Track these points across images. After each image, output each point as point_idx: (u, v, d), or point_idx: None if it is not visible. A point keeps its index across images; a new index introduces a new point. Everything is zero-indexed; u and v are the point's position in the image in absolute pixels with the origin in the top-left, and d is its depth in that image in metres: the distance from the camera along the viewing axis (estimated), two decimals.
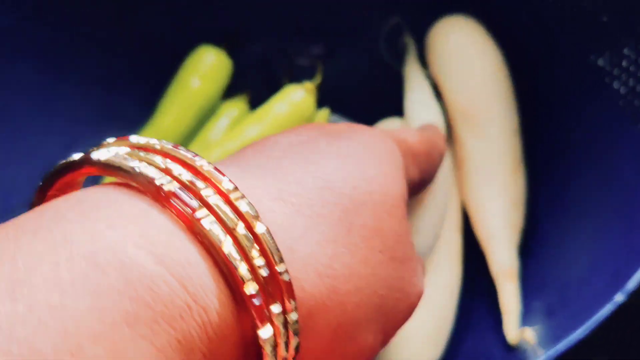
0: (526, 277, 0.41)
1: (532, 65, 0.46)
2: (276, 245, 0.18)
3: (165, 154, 0.19)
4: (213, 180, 0.18)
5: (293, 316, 0.18)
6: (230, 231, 0.17)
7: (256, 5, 0.51)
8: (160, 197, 0.17)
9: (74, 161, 0.19)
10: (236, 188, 0.18)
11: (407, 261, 0.23)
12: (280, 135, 0.25)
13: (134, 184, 0.18)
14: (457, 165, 0.45)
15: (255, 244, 0.18)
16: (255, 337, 0.17)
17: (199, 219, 0.17)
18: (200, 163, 0.19)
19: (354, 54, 0.53)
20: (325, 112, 0.50)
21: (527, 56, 0.46)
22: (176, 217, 0.17)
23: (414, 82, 0.46)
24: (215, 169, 0.19)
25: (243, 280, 0.17)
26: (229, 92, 0.50)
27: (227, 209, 0.18)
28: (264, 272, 0.18)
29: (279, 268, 0.18)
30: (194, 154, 0.19)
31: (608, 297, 0.30)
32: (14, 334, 0.13)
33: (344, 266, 0.20)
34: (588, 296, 0.33)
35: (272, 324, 0.18)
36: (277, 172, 0.21)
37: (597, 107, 0.41)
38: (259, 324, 0.17)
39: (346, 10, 0.52)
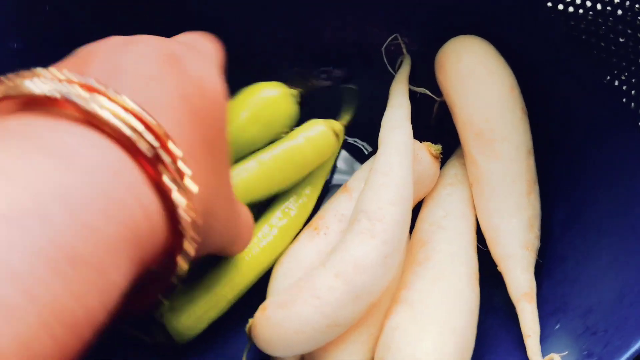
0: (544, 298, 0.41)
1: (545, 85, 0.46)
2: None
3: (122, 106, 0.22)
4: (163, 139, 0.23)
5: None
6: (176, 183, 0.23)
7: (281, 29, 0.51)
8: (138, 155, 0.22)
9: (47, 97, 0.22)
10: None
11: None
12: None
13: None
14: (472, 185, 0.45)
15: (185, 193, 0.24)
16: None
17: (161, 174, 0.23)
18: (159, 131, 0.23)
19: (368, 78, 0.53)
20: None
21: (541, 76, 0.46)
22: (142, 168, 0.22)
23: (394, 102, 0.46)
24: (168, 135, 0.23)
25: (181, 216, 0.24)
26: None
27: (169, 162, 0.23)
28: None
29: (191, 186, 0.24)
30: (148, 113, 0.23)
31: None
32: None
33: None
34: (619, 323, 0.32)
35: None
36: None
37: (614, 128, 0.41)
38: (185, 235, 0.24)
39: (357, 31, 0.52)
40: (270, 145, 0.45)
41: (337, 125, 0.48)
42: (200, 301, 0.41)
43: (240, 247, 0.37)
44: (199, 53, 0.31)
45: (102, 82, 0.22)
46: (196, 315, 0.41)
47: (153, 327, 0.42)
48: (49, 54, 0.40)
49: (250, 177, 0.44)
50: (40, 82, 0.22)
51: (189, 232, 0.24)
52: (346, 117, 0.49)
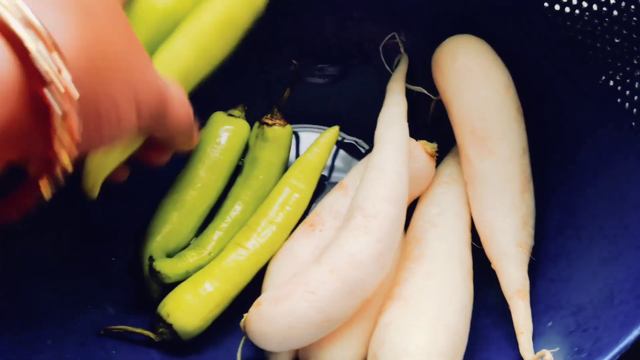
0: (537, 296, 0.41)
1: (541, 85, 0.47)
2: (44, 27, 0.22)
3: None
4: None
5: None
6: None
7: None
8: None
9: None
10: None
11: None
12: None
13: None
14: (467, 184, 0.45)
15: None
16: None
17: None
18: None
19: (365, 76, 0.53)
20: (335, 129, 0.49)
21: (537, 75, 0.47)
22: None
23: (391, 99, 0.46)
24: None
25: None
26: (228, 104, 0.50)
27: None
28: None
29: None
30: None
31: (633, 321, 0.30)
32: None
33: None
34: (609, 320, 0.33)
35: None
36: None
37: (608, 127, 0.42)
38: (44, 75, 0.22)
39: (356, 31, 0.52)
40: (197, 15, 0.41)
41: None
42: (206, 300, 0.42)
43: (176, 127, 0.33)
44: None
45: None
46: (203, 314, 0.42)
47: (160, 326, 0.42)
48: None
49: (186, 58, 0.40)
50: None
51: (46, 67, 0.22)
52: None
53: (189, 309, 0.42)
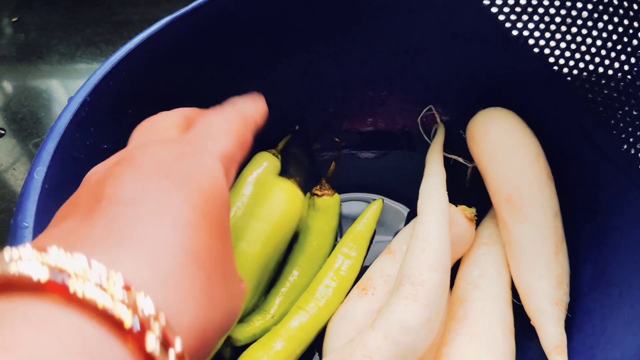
0: (574, 350, 0.45)
1: (568, 150, 0.51)
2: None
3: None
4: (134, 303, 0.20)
5: None
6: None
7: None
8: (125, 335, 0.20)
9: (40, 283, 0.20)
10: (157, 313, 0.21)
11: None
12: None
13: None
14: (504, 246, 0.49)
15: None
16: None
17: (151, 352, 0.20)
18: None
19: (403, 146, 0.58)
20: (380, 202, 0.54)
21: (563, 141, 0.51)
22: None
23: (430, 170, 0.51)
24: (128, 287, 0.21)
25: None
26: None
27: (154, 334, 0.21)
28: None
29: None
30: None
31: None
32: None
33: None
34: None
35: None
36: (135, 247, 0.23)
37: (633, 192, 0.45)
38: None
39: (394, 108, 0.57)
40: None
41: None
42: (276, 357, 0.46)
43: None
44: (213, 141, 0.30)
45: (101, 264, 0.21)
46: None
47: None
48: None
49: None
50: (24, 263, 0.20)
51: None
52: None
53: None
